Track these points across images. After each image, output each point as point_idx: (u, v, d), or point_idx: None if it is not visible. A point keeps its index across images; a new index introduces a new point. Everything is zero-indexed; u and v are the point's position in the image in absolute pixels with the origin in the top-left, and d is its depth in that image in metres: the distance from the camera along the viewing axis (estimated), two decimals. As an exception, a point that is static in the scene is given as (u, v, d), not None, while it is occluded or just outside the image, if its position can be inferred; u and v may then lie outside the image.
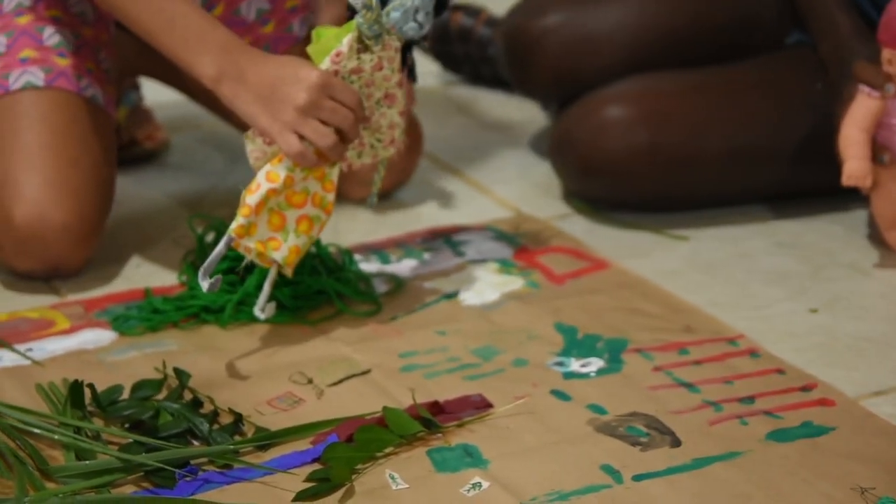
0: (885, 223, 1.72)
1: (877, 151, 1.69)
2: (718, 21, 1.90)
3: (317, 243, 1.67)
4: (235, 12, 1.80)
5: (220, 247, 1.50)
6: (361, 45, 1.54)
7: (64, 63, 1.69)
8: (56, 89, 1.68)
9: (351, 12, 1.55)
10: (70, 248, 1.65)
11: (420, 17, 1.54)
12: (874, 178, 1.69)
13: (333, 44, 1.54)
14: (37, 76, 1.68)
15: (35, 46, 1.69)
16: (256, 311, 1.55)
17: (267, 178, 1.52)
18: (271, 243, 1.52)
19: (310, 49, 1.56)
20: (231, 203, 1.87)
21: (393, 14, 1.53)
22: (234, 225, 1.50)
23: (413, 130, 1.86)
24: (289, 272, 1.54)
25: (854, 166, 1.68)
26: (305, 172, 1.53)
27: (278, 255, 1.52)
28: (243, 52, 1.53)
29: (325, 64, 1.53)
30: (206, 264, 1.49)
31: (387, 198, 1.90)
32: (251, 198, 1.51)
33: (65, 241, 1.64)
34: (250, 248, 1.52)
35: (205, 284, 1.48)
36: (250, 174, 1.55)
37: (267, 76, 1.51)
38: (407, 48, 1.59)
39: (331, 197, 1.56)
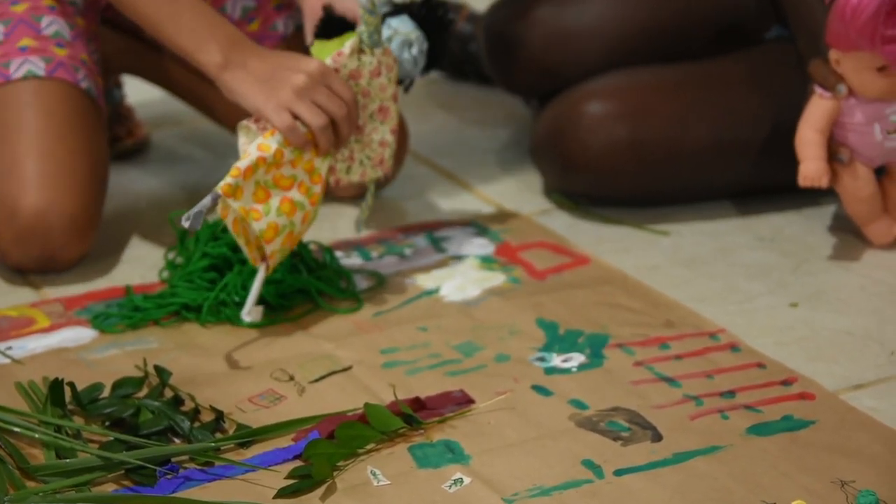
0: (861, 220, 1.73)
1: (835, 150, 1.70)
2: (700, 16, 1.90)
3: (298, 240, 1.67)
4: (221, 10, 1.80)
5: (206, 199, 1.50)
6: (362, 52, 1.60)
7: (62, 53, 1.69)
8: (56, 80, 1.68)
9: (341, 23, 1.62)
10: (72, 239, 1.65)
11: (414, 50, 1.58)
12: (836, 177, 1.70)
13: (336, 47, 1.59)
14: (38, 66, 1.68)
15: (34, 35, 1.69)
16: (243, 315, 1.54)
17: (258, 148, 1.54)
18: (253, 213, 1.52)
19: (313, 50, 1.62)
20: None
21: (393, 44, 1.61)
22: (222, 183, 1.51)
23: (399, 130, 1.86)
24: (263, 253, 1.53)
25: (809, 168, 1.68)
26: (295, 155, 1.55)
27: (257, 226, 1.52)
28: (248, 45, 1.59)
29: (327, 61, 1.59)
30: (191, 211, 1.48)
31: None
32: (241, 162, 1.52)
33: (69, 231, 1.65)
34: (234, 208, 1.51)
35: (186, 223, 1.48)
36: (225, 169, 1.54)
37: (269, 64, 1.57)
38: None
39: (317, 189, 1.57)
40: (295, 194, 1.55)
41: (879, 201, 1.72)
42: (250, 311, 1.54)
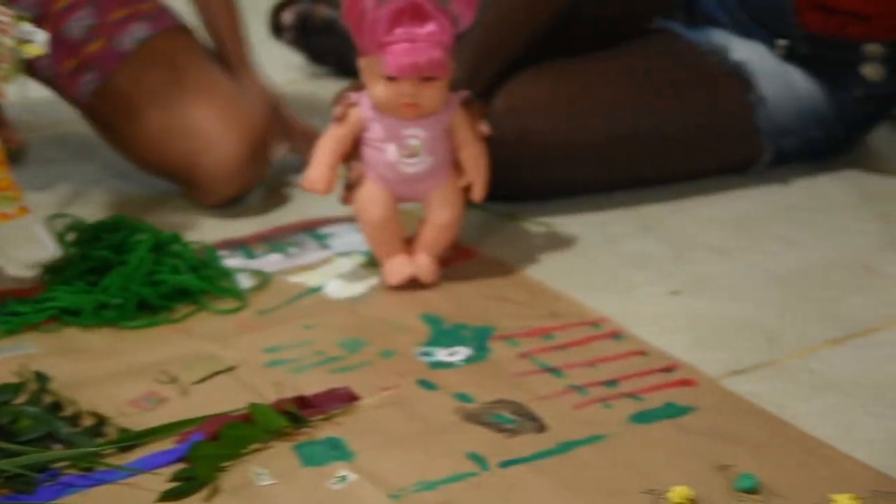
0: (375, 249, 1.67)
1: (348, 165, 1.65)
2: (589, 12, 1.91)
3: (178, 241, 1.65)
4: (62, 31, 1.76)
5: None
6: None
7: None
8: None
9: None
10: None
11: None
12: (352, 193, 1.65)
13: None
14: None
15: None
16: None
17: None
18: None
19: None
20: (83, 201, 1.84)
21: None
22: None
23: (260, 131, 1.83)
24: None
25: (309, 172, 1.62)
26: None
27: None
28: None
29: None
30: None
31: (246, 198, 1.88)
32: None
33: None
34: None
35: None
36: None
37: None
38: None
39: None
40: None
41: (395, 234, 1.64)
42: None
